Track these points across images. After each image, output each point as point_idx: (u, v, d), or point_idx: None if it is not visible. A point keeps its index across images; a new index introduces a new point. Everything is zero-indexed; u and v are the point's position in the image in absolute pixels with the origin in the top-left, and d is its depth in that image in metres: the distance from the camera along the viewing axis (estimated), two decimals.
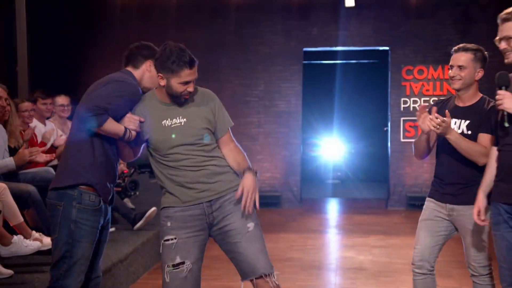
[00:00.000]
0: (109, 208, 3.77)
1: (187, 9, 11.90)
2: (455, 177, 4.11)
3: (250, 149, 12.00)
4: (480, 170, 3.91)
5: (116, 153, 3.73)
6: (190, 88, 3.68)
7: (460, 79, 4.08)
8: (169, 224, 3.67)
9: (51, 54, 10.88)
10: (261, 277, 3.74)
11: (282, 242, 8.13)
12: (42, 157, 5.28)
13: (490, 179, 3.65)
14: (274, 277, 3.76)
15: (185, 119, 3.68)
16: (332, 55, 13.33)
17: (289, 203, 11.81)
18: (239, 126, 11.97)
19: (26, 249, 4.85)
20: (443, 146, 4.14)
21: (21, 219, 5.01)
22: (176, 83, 3.60)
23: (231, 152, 3.94)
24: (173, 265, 3.61)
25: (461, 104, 4.15)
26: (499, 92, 3.39)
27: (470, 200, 3.94)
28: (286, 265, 6.69)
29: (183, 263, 3.63)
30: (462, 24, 11.53)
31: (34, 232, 5.07)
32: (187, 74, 3.63)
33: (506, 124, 3.37)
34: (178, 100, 3.68)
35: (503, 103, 3.34)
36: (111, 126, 3.49)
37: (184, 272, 3.62)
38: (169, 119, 3.66)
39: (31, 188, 5.33)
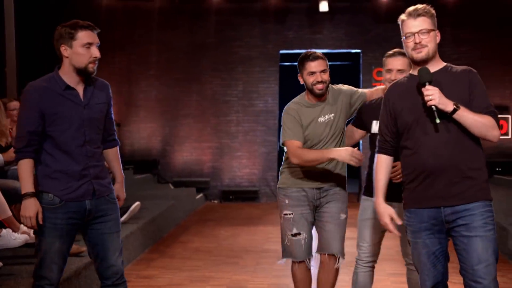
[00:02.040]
0: (90, 202, 3.56)
1: (170, 13, 11.86)
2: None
3: (230, 146, 12.01)
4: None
5: (82, 152, 3.55)
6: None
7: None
8: None
9: (38, 55, 10.79)
10: (332, 255, 4.19)
11: (259, 234, 8.14)
12: None
13: (385, 184, 3.44)
14: (340, 261, 4.23)
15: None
16: None
17: (266, 197, 11.83)
18: (220, 124, 11.98)
19: (15, 242, 4.84)
20: None
21: (10, 213, 5.01)
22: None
23: None
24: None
25: None
26: (427, 87, 3.13)
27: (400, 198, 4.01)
28: (263, 256, 6.70)
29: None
30: None
31: (22, 225, 5.05)
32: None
33: (438, 120, 3.10)
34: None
35: (434, 98, 3.08)
36: None
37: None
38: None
39: (18, 184, 5.30)
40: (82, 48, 3.52)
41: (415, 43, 3.28)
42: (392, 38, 11.54)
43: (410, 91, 3.29)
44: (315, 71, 4.13)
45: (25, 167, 3.47)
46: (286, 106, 4.31)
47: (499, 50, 11.14)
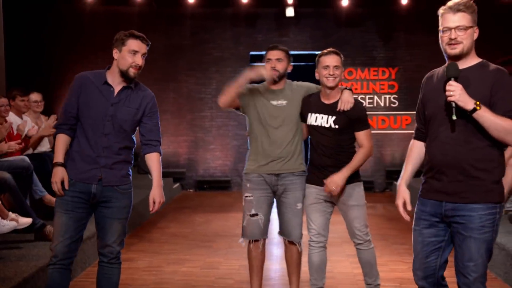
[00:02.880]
0: (96, 187, 3.63)
1: (148, 17, 11.79)
2: (330, 162, 4.18)
3: (204, 140, 12.00)
4: (348, 155, 4.16)
5: (99, 142, 3.63)
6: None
7: (336, 78, 4.14)
8: None
9: (25, 56, 10.67)
10: (291, 242, 4.36)
11: (231, 220, 8.15)
12: (14, 146, 5.58)
13: (412, 172, 3.27)
14: (301, 245, 4.39)
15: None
16: None
17: (237, 186, 11.84)
18: (195, 120, 11.95)
19: (4, 228, 4.82)
20: (319, 137, 4.22)
21: None
22: None
23: None
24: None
25: (327, 101, 4.20)
26: (450, 83, 2.91)
27: (348, 180, 4.15)
28: (234, 240, 6.72)
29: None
30: (384, 32, 11.72)
31: (10, 213, 5.03)
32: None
33: (454, 117, 2.89)
34: None
35: (455, 95, 2.86)
36: None
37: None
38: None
39: (7, 175, 5.30)
40: (128, 54, 3.66)
41: (450, 38, 2.97)
42: (351, 41, 11.66)
43: (440, 84, 3.05)
44: (271, 58, 4.28)
45: (59, 140, 3.68)
46: None
47: None
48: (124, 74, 3.67)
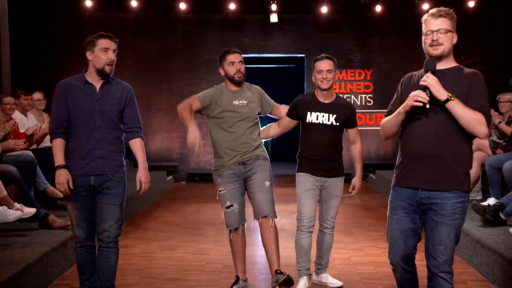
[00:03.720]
0: (94, 179, 3.72)
1: (143, 22, 11.74)
2: (326, 155, 4.31)
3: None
4: (338, 149, 4.35)
5: (92, 136, 3.72)
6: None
7: (329, 80, 4.28)
8: None
9: (29, 58, 10.58)
10: (265, 217, 4.19)
11: (220, 210, 8.02)
12: (20, 145, 5.66)
13: None
14: (275, 221, 4.22)
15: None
16: (260, 60, 13.38)
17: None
18: None
19: (10, 217, 4.80)
20: (319, 134, 4.31)
21: (5, 193, 4.96)
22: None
23: None
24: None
25: (325, 101, 4.34)
26: (427, 74, 2.98)
27: (338, 173, 4.37)
28: (223, 228, 6.58)
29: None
30: (360, 37, 11.77)
31: (16, 203, 5.02)
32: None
33: (428, 106, 2.95)
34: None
35: (430, 83, 2.94)
36: None
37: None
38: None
39: (12, 168, 5.30)
40: (100, 52, 3.72)
41: (433, 40, 3.06)
42: (330, 45, 11.68)
43: (417, 82, 3.09)
44: (235, 61, 4.30)
45: (55, 145, 3.74)
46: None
47: (418, 55, 11.34)
48: (101, 72, 3.75)
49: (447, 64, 3.11)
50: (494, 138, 6.86)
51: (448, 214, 3.01)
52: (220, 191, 4.31)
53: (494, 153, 6.66)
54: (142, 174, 3.85)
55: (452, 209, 3.01)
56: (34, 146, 6.44)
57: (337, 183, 4.37)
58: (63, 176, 3.65)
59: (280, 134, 4.52)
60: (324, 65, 4.27)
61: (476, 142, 6.82)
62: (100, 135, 3.73)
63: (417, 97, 2.96)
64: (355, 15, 11.63)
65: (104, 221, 3.75)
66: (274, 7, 11.01)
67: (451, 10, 3.14)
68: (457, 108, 2.92)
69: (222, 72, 4.36)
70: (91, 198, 3.77)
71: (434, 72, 3.00)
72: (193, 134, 4.14)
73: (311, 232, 4.35)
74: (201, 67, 11.90)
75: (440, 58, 3.08)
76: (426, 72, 3.01)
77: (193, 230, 6.86)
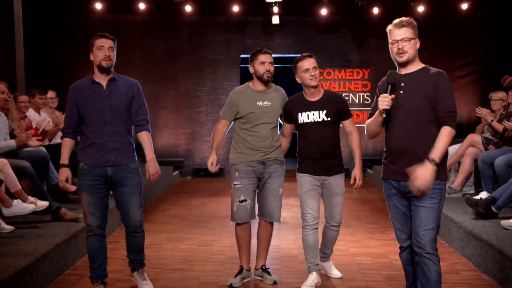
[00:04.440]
0: (111, 169, 3.86)
1: (150, 24, 11.73)
2: (323, 152, 4.20)
3: (200, 133, 12.00)
4: (336, 145, 4.24)
5: (104, 130, 3.84)
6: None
7: (317, 77, 4.19)
8: None
9: (42, 59, 10.59)
10: (271, 223, 4.34)
11: (224, 204, 8.17)
12: (34, 142, 5.61)
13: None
14: (278, 226, 4.42)
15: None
16: None
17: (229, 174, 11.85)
18: (192, 115, 11.94)
19: (24, 210, 4.83)
20: (313, 132, 4.22)
21: (19, 187, 4.98)
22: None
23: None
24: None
25: (313, 99, 4.22)
26: (385, 94, 3.23)
27: (337, 170, 4.26)
28: (226, 221, 6.73)
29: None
30: (358, 38, 11.75)
31: (30, 197, 5.03)
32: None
33: (384, 115, 3.24)
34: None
35: (380, 103, 3.23)
36: None
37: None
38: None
39: (26, 163, 5.31)
40: (97, 51, 3.83)
41: (398, 48, 3.26)
42: (329, 45, 11.69)
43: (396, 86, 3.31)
44: (265, 61, 4.23)
45: (64, 144, 3.93)
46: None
47: None
48: (100, 68, 3.85)
49: (414, 67, 3.30)
50: (487, 134, 6.85)
51: (426, 199, 3.18)
52: (235, 184, 4.27)
53: (486, 149, 6.66)
54: (150, 166, 3.99)
55: (429, 195, 3.17)
56: (47, 142, 6.46)
57: (337, 180, 4.27)
58: (63, 175, 3.86)
59: (290, 141, 4.50)
60: (309, 63, 4.16)
61: (469, 139, 6.83)
62: (112, 129, 3.85)
63: (380, 103, 3.24)
64: (353, 17, 11.61)
65: (129, 210, 3.96)
66: (275, 9, 11.00)
67: (412, 19, 3.32)
68: (442, 155, 3.13)
69: (251, 70, 4.30)
70: (107, 188, 3.92)
71: (394, 84, 3.25)
72: (211, 161, 4.35)
73: (316, 228, 4.28)
74: (206, 67, 11.90)
75: (406, 63, 3.28)
76: (388, 84, 3.26)
77: (198, 222, 6.87)
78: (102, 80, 3.88)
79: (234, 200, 4.29)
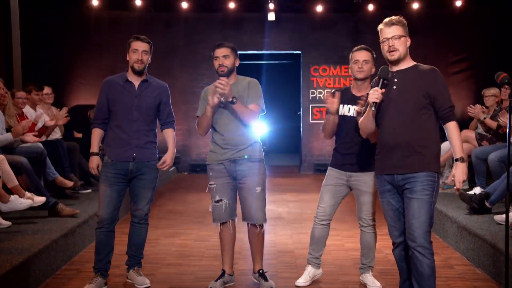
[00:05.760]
0: (132, 164, 4.01)
1: (147, 20, 11.69)
2: (357, 148, 3.99)
3: (196, 129, 11.95)
4: (366, 143, 3.84)
5: (130, 128, 4.00)
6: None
7: (364, 71, 4.01)
8: None
9: (38, 55, 10.55)
10: (254, 224, 4.10)
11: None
12: (32, 138, 5.68)
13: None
14: (263, 228, 4.13)
15: None
16: (259, 56, 13.37)
17: None
18: (188, 111, 11.92)
19: (21, 206, 4.82)
20: (351, 126, 3.98)
21: (17, 182, 4.97)
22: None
23: None
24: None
25: (357, 94, 4.01)
26: (376, 88, 3.24)
27: (364, 168, 4.00)
28: None
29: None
30: (354, 35, 11.74)
31: (27, 192, 5.03)
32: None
33: (373, 108, 3.26)
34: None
35: (371, 96, 3.24)
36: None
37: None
38: None
39: (23, 159, 5.31)
40: (131, 53, 4.03)
41: (389, 46, 3.30)
42: (325, 42, 11.67)
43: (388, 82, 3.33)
44: (218, 56, 4.00)
45: (94, 133, 4.08)
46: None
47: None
48: (133, 70, 4.02)
49: (405, 64, 3.33)
50: (480, 130, 6.87)
51: (418, 190, 3.20)
52: (210, 184, 4.14)
53: (480, 145, 6.68)
54: (169, 157, 4.15)
55: (421, 186, 3.20)
56: (44, 138, 6.45)
57: (364, 178, 4.01)
58: (94, 162, 4.03)
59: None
60: (361, 55, 4.00)
61: (463, 135, 6.84)
62: (137, 127, 4.00)
63: (370, 96, 3.27)
64: (349, 14, 11.60)
65: (138, 201, 4.11)
66: (271, 6, 10.98)
67: (402, 17, 3.37)
68: (460, 149, 3.25)
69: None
70: (126, 182, 4.05)
71: (387, 79, 3.27)
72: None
73: (325, 225, 4.18)
74: (202, 63, 11.88)
75: (397, 61, 3.31)
76: (379, 79, 3.29)
77: (194, 218, 6.88)
78: (135, 80, 4.06)
79: (211, 200, 4.17)
